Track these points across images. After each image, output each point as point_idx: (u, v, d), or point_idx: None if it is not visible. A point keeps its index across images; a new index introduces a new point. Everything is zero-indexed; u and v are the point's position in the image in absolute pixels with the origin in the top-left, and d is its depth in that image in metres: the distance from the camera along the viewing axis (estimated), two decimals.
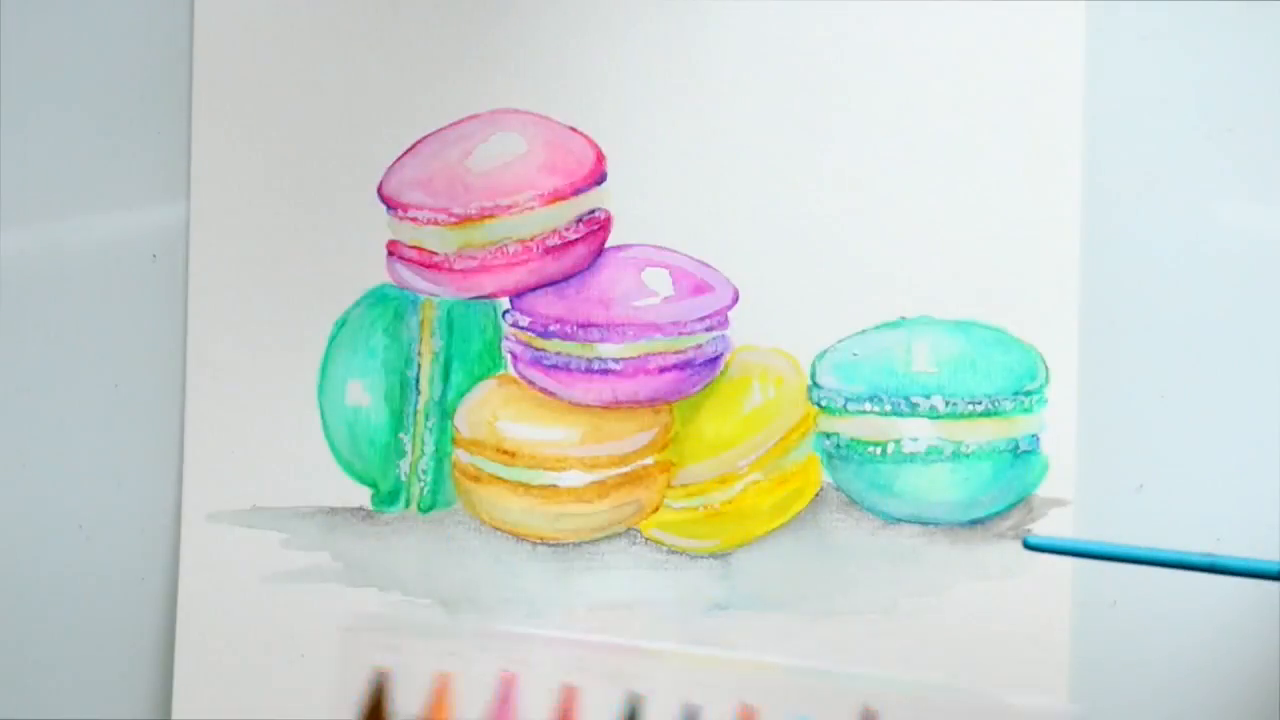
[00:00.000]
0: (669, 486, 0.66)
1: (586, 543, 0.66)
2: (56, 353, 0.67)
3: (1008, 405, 0.65)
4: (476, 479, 0.66)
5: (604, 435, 0.66)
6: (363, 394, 0.66)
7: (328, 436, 0.66)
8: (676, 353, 0.65)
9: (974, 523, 0.65)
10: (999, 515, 0.65)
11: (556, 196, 0.66)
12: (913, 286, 0.65)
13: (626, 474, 0.65)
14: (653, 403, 0.66)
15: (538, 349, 0.66)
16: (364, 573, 0.66)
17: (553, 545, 0.66)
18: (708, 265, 0.66)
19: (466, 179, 0.66)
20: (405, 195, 0.66)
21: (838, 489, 0.66)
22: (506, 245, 0.66)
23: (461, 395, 0.66)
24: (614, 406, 0.66)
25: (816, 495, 0.66)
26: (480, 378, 0.66)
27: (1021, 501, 0.65)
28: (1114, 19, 0.65)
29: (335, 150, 0.66)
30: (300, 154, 0.66)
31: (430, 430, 0.66)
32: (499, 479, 0.66)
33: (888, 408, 0.65)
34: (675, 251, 0.66)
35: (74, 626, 0.67)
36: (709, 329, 0.66)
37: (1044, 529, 0.65)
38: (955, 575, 0.65)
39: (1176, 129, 0.65)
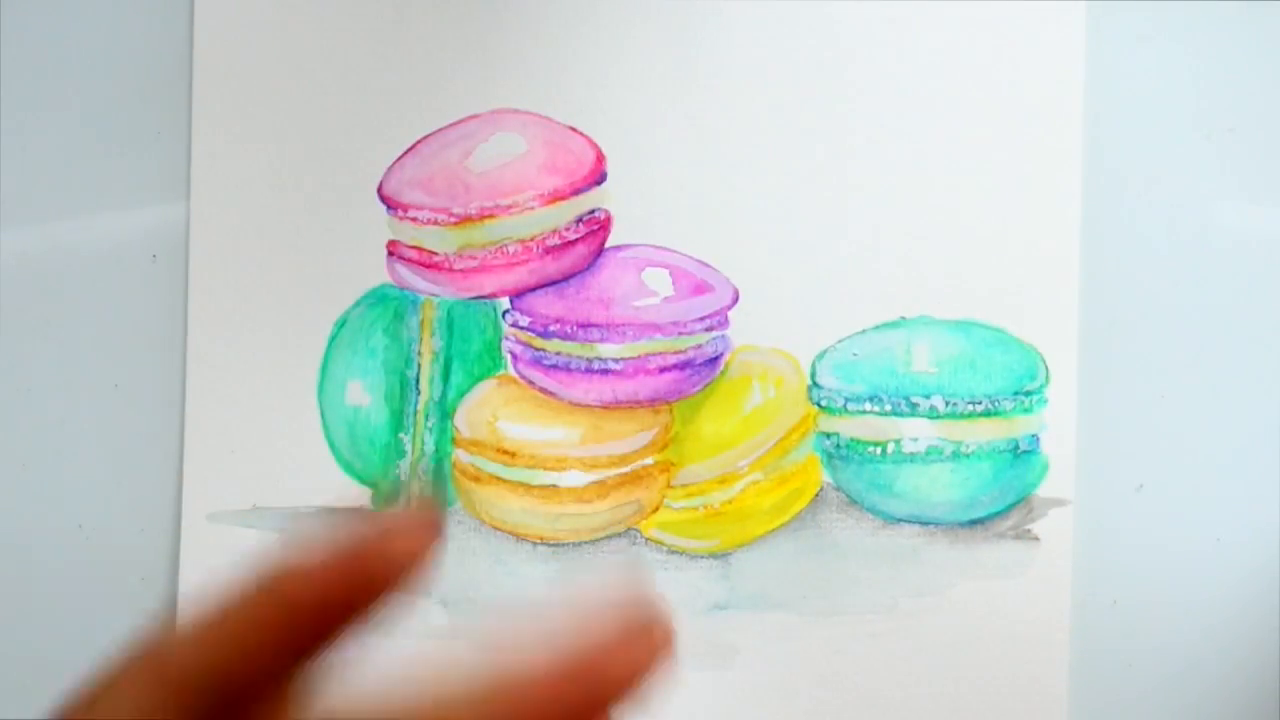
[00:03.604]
0: (669, 486, 0.66)
1: (586, 543, 0.66)
2: (56, 353, 0.67)
3: (1008, 405, 0.65)
4: (476, 479, 0.66)
5: (604, 435, 0.66)
6: (363, 394, 0.66)
7: (328, 436, 0.66)
8: (676, 353, 0.65)
9: (974, 523, 0.65)
10: (999, 515, 0.65)
11: (556, 196, 0.66)
12: (913, 286, 0.65)
13: (626, 474, 0.65)
14: (653, 403, 0.66)
15: (538, 349, 0.66)
16: None
17: (553, 545, 0.66)
18: (708, 265, 0.66)
19: (466, 179, 0.66)
20: (405, 195, 0.66)
21: (838, 489, 0.66)
22: (506, 245, 0.66)
23: (461, 395, 0.66)
24: (614, 406, 0.66)
25: (816, 495, 0.66)
26: (480, 378, 0.66)
27: (1021, 501, 0.65)
28: (1114, 19, 0.65)
29: (335, 150, 0.66)
30: (300, 154, 0.66)
31: (430, 430, 0.66)
32: (499, 479, 0.66)
33: (888, 408, 0.65)
34: (675, 251, 0.66)
35: (74, 626, 0.67)
36: (709, 329, 0.66)
37: (1044, 529, 0.65)
38: (955, 575, 0.65)
39: (1176, 129, 0.65)
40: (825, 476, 0.66)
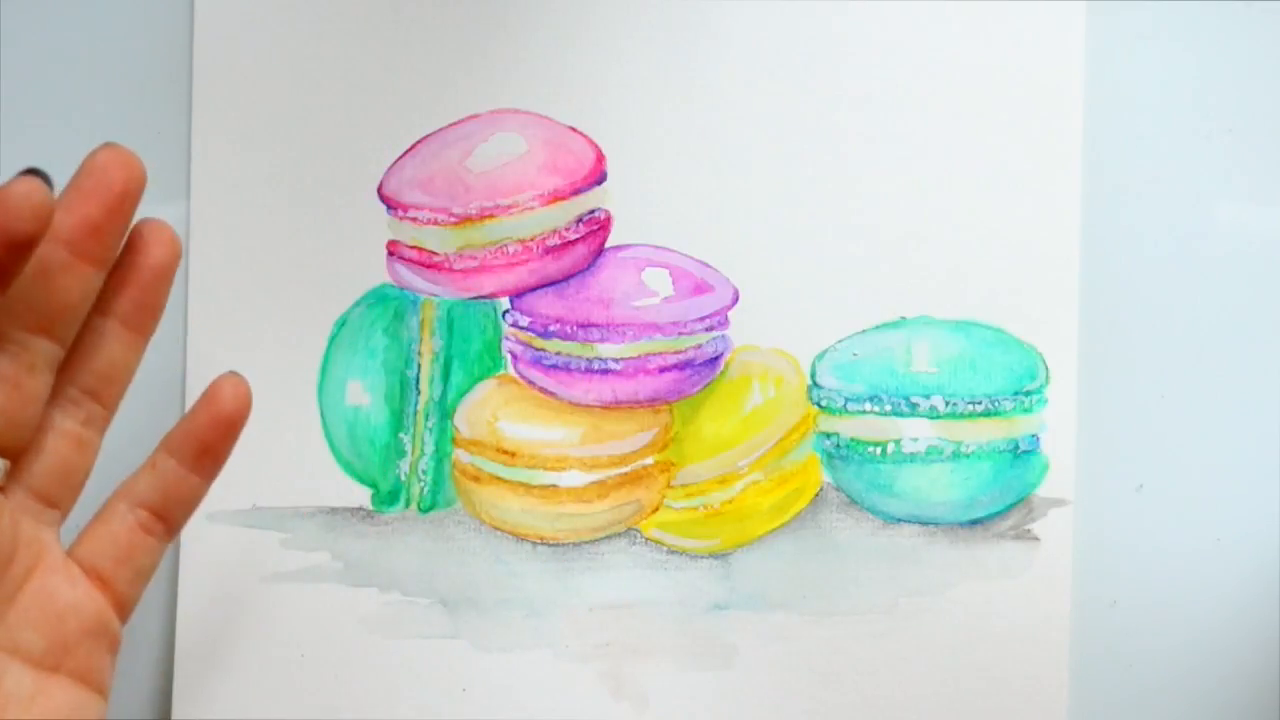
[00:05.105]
0: (669, 486, 0.66)
1: (586, 543, 0.66)
2: None
3: (1008, 405, 0.65)
4: (476, 479, 0.66)
5: (604, 435, 0.66)
6: (363, 394, 0.66)
7: (328, 436, 0.66)
8: (676, 353, 0.66)
9: (974, 523, 0.65)
10: (999, 515, 0.65)
11: (556, 196, 0.66)
12: (913, 286, 0.65)
13: (626, 474, 0.66)
14: (653, 403, 0.66)
15: (538, 349, 0.66)
16: (364, 573, 0.66)
17: (553, 545, 0.66)
18: (708, 265, 0.66)
19: (466, 179, 0.66)
20: (405, 195, 0.66)
21: (838, 489, 0.66)
22: (506, 245, 0.66)
23: (461, 395, 0.66)
24: (614, 406, 0.66)
25: (816, 495, 0.66)
26: (480, 378, 0.67)
27: (1021, 501, 0.65)
28: (1114, 19, 0.65)
29: (335, 150, 0.66)
30: (300, 154, 0.66)
31: (430, 430, 0.66)
32: (499, 479, 0.66)
33: (888, 408, 0.65)
34: (675, 251, 0.66)
35: None
36: (709, 329, 0.66)
37: (1044, 529, 0.65)
38: (955, 575, 0.65)
39: (1176, 129, 0.66)
40: (825, 476, 0.66)
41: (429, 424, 0.66)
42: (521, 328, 0.66)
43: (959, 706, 0.65)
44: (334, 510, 0.66)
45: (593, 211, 0.66)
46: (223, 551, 0.66)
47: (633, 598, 0.66)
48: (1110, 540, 0.65)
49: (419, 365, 0.67)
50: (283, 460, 0.66)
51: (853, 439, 0.65)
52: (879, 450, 0.65)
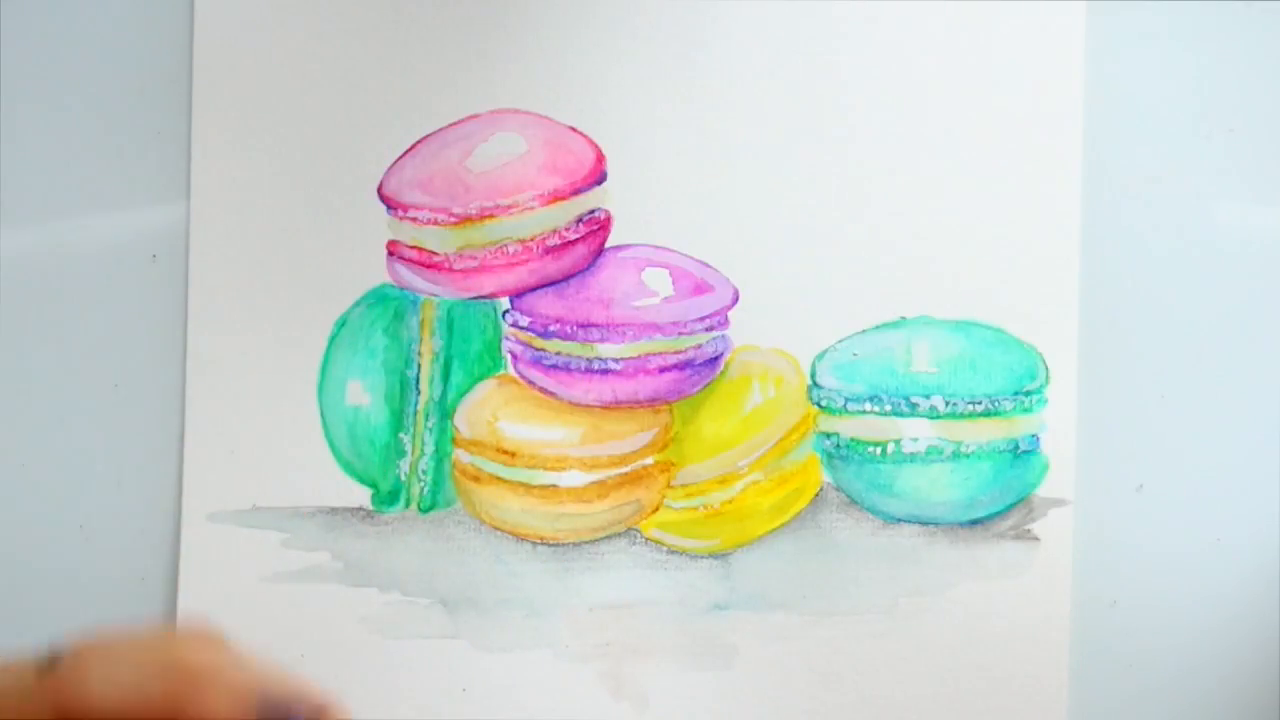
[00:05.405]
0: (669, 486, 0.66)
1: (586, 543, 0.66)
2: (56, 353, 0.67)
3: (1008, 405, 0.65)
4: (476, 479, 0.66)
5: (604, 435, 0.66)
6: (363, 394, 0.66)
7: (328, 436, 0.66)
8: (676, 353, 0.66)
9: (974, 523, 0.65)
10: (999, 515, 0.65)
11: (556, 196, 0.66)
12: (913, 286, 0.65)
13: (626, 474, 0.65)
14: (653, 403, 0.66)
15: (538, 349, 0.66)
16: (364, 573, 0.66)
17: (553, 545, 0.66)
18: (708, 265, 0.66)
19: (466, 179, 0.66)
20: (405, 195, 0.66)
21: (838, 489, 0.66)
22: (506, 245, 0.66)
23: (461, 395, 0.66)
24: (614, 406, 0.66)
25: (816, 495, 0.66)
26: (480, 378, 0.66)
27: (1021, 501, 0.65)
28: (1114, 19, 0.65)
29: (335, 150, 0.66)
30: (300, 154, 0.66)
31: (430, 430, 0.66)
32: (499, 479, 0.66)
33: (888, 408, 0.65)
34: (675, 251, 0.66)
35: (74, 627, 0.67)
36: (709, 329, 0.66)
37: (1044, 529, 0.65)
38: (955, 575, 0.65)
39: (1176, 129, 0.65)
40: (825, 476, 0.66)
41: (429, 424, 0.66)
42: (521, 328, 0.66)
43: (959, 706, 0.65)
44: (334, 510, 0.66)
45: (593, 211, 0.66)
46: (223, 551, 0.66)
47: (633, 598, 0.66)
48: (1110, 540, 0.65)
49: (419, 365, 0.66)
50: (283, 460, 0.66)
51: (853, 439, 0.65)
52: (879, 450, 0.65)
